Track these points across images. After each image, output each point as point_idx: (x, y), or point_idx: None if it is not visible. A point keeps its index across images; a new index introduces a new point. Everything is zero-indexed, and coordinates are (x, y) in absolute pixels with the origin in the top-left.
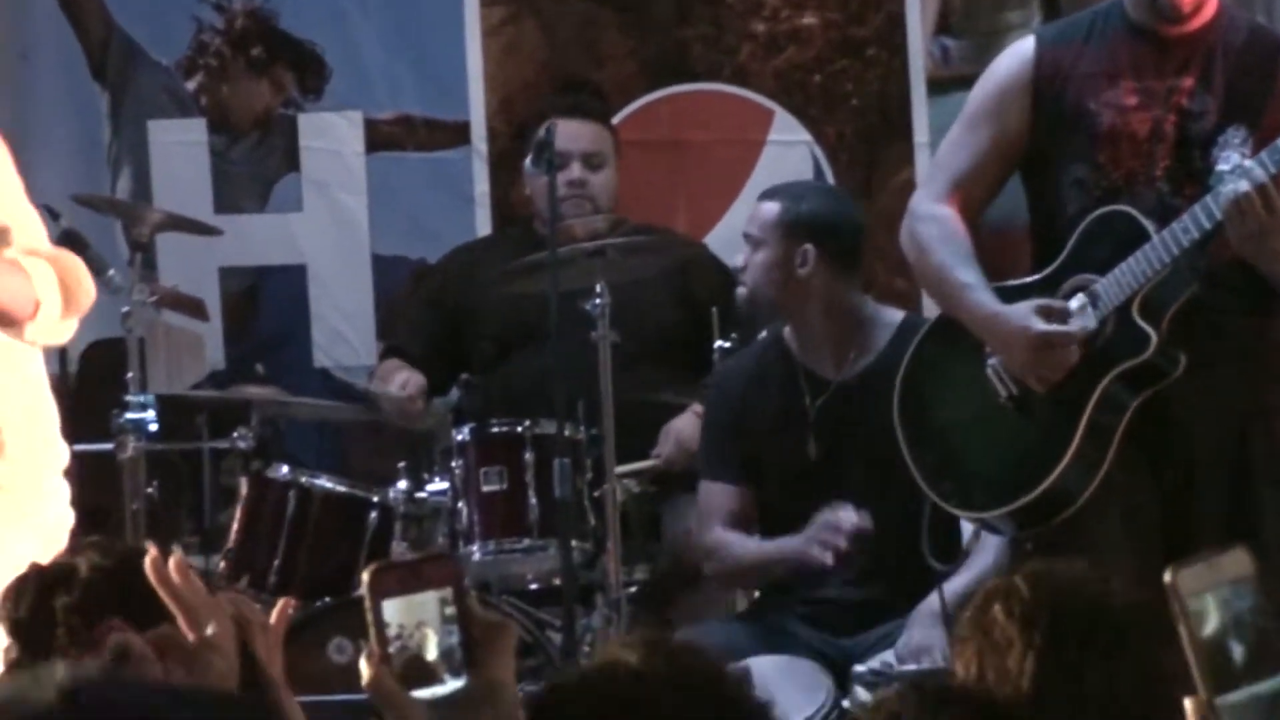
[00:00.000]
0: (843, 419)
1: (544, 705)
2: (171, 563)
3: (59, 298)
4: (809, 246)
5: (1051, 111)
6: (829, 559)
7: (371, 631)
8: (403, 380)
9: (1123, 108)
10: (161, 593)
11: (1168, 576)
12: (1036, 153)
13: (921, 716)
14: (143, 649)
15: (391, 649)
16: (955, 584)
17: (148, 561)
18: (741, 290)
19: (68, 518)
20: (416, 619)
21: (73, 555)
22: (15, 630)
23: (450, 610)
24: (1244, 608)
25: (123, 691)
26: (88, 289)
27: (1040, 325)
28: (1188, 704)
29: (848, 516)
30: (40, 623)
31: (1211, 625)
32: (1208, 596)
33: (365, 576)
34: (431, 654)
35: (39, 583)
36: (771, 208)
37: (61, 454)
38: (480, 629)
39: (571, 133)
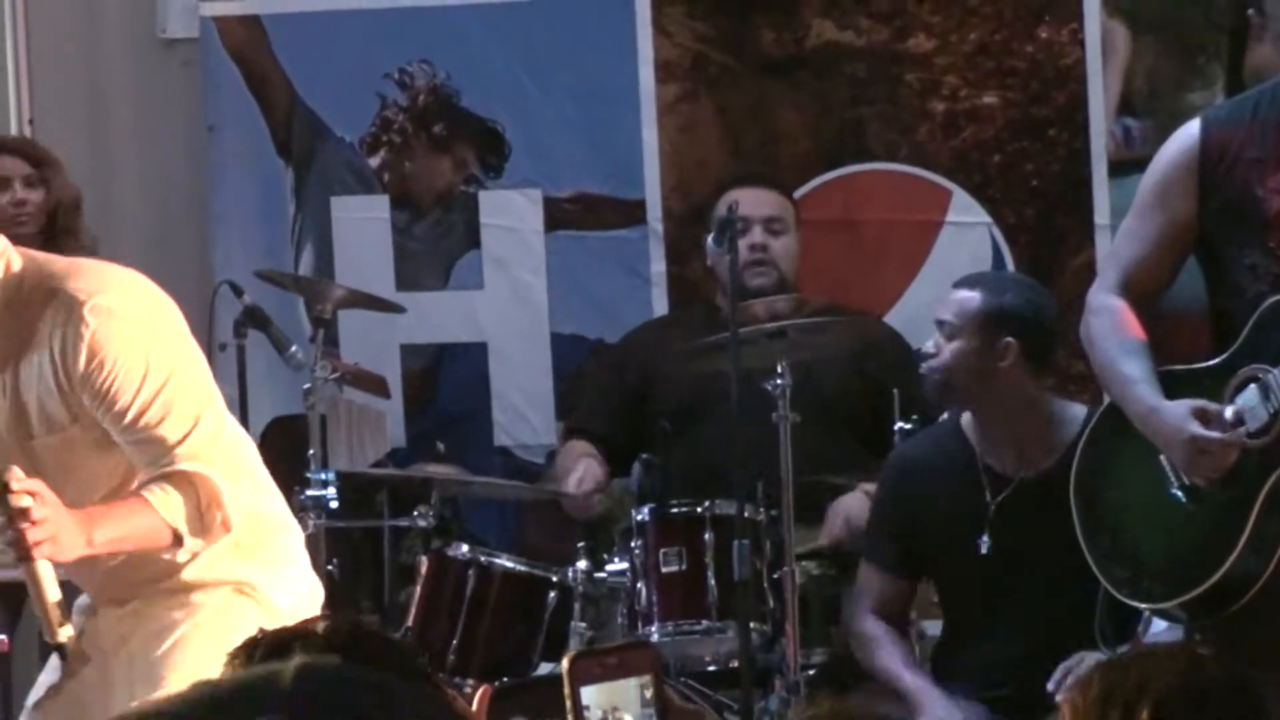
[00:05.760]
0: (1022, 517)
1: None
2: None
3: (188, 522)
4: (1010, 340)
5: (1220, 196)
6: None
7: (570, 718)
8: (578, 478)
9: None
10: None
11: None
12: (1209, 237)
13: None
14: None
15: None
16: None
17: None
18: (933, 378)
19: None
20: (614, 704)
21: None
22: None
23: (649, 695)
24: None
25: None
26: (226, 519)
27: (1195, 429)
28: None
29: None
30: None
31: None
32: None
33: (565, 663)
34: None
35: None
36: (972, 297)
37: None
38: (677, 717)
39: (752, 199)
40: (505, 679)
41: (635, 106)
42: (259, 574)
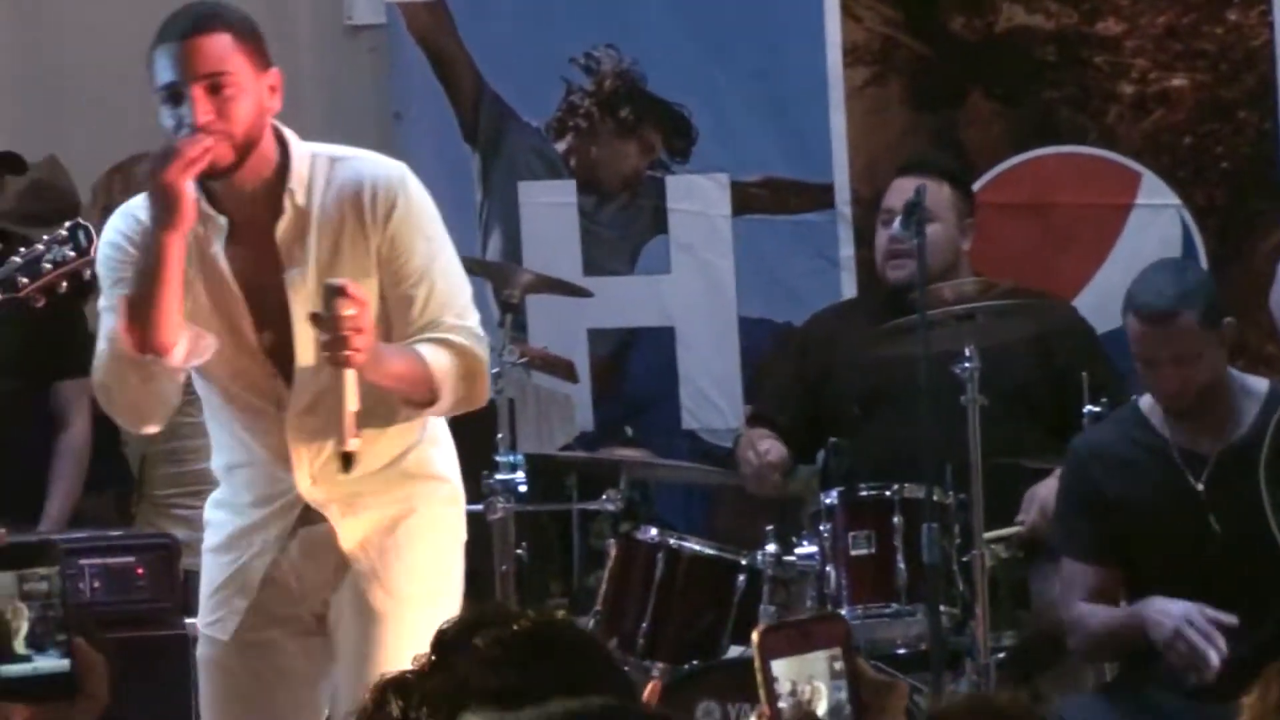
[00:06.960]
0: (1229, 491)
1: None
2: None
3: (454, 393)
4: (1230, 320)
5: None
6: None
7: (761, 691)
8: (765, 448)
9: None
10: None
11: None
12: None
13: None
14: None
15: (782, 704)
16: None
17: None
18: (1177, 401)
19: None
20: (806, 675)
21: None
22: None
23: (839, 667)
24: None
25: None
26: (481, 391)
27: None
28: None
29: (1220, 617)
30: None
31: None
32: None
33: (755, 636)
34: (821, 709)
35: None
36: (1189, 318)
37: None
38: (870, 689)
39: (898, 188)
40: (695, 662)
41: (823, 90)
42: (455, 472)
